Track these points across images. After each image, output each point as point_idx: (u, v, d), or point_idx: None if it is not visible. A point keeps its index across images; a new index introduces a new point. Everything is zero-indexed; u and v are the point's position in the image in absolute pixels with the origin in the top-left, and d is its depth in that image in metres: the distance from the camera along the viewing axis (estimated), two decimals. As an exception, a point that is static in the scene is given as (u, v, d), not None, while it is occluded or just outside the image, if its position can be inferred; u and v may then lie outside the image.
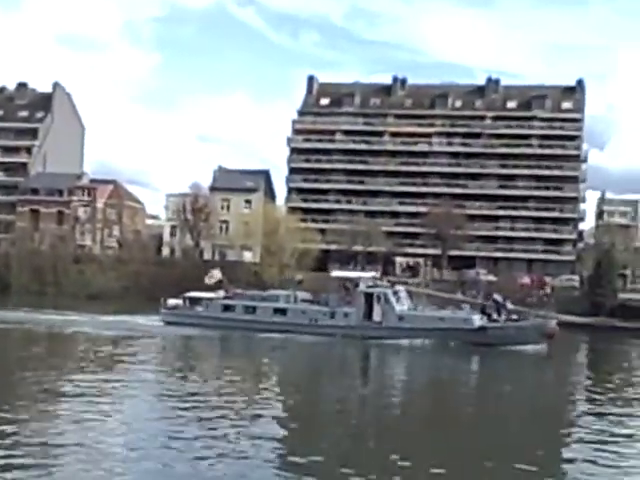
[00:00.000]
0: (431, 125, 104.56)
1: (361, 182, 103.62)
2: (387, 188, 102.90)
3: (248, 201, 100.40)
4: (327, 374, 39.24)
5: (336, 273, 64.09)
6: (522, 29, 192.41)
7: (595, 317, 76.08)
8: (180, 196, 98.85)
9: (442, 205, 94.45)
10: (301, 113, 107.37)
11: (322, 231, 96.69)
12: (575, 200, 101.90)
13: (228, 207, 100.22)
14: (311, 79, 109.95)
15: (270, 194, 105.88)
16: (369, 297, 51.58)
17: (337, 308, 52.24)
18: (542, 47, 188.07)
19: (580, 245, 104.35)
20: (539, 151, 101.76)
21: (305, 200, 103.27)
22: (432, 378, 39.25)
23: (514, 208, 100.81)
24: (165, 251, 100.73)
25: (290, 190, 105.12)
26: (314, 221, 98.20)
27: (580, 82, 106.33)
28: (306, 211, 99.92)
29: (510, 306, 55.21)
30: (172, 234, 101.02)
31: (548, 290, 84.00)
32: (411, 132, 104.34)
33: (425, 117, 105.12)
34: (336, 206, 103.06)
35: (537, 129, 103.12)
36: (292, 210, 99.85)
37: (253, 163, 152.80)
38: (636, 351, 60.98)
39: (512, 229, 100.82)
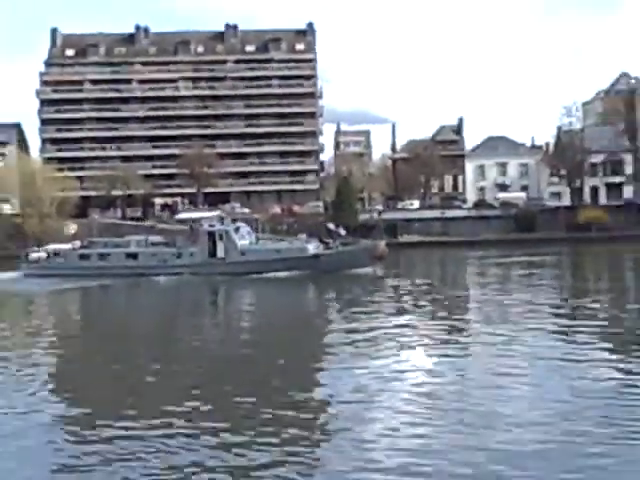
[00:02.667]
0: (177, 71, 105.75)
1: (114, 129, 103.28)
2: (140, 133, 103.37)
3: (1, 154, 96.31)
4: (169, 312, 37.90)
5: (181, 215, 63.81)
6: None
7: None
8: None
9: (194, 146, 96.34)
10: (48, 64, 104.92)
11: (80, 178, 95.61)
12: (314, 134, 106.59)
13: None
14: (54, 31, 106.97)
15: (24, 146, 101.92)
16: (212, 235, 51.22)
17: (183, 248, 52.06)
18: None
19: (322, 174, 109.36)
20: (279, 90, 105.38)
21: (60, 150, 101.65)
22: (259, 308, 38.06)
23: (261, 144, 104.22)
24: None
25: (44, 141, 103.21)
26: (71, 169, 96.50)
27: (310, 25, 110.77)
28: (62, 160, 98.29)
29: (343, 232, 55.25)
30: None
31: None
32: (158, 78, 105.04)
33: (170, 63, 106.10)
34: (91, 154, 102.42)
35: (276, 70, 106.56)
36: (48, 160, 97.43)
37: (3, 117, 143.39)
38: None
39: (261, 164, 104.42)
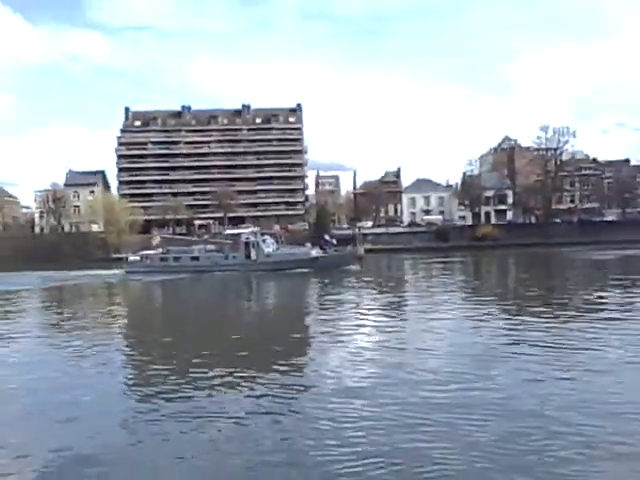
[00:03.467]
0: (210, 136, 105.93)
1: (167, 174, 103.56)
2: (185, 177, 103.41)
3: (92, 192, 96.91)
4: (221, 294, 37.88)
5: (228, 231, 62.79)
6: (258, 73, 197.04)
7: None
8: (44, 192, 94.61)
9: (221, 186, 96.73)
10: (122, 131, 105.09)
11: (144, 208, 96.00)
12: (302, 177, 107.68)
13: (78, 196, 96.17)
14: (127, 109, 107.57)
15: (107, 186, 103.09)
16: (247, 244, 50.52)
17: (229, 253, 51.55)
18: (272, 81, 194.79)
19: (307, 204, 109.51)
20: (278, 148, 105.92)
21: (131, 188, 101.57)
22: (277, 292, 38.17)
23: (266, 184, 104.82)
24: (37, 229, 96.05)
25: (120, 182, 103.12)
26: (138, 202, 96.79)
27: (299, 105, 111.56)
28: (132, 195, 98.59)
29: (334, 242, 54.01)
30: (41, 217, 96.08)
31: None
32: (197, 141, 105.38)
33: (205, 131, 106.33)
34: (152, 191, 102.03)
35: (276, 135, 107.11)
36: (123, 195, 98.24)
37: (93, 167, 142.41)
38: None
39: (266, 197, 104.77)
